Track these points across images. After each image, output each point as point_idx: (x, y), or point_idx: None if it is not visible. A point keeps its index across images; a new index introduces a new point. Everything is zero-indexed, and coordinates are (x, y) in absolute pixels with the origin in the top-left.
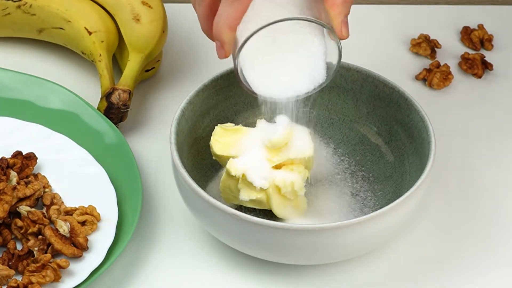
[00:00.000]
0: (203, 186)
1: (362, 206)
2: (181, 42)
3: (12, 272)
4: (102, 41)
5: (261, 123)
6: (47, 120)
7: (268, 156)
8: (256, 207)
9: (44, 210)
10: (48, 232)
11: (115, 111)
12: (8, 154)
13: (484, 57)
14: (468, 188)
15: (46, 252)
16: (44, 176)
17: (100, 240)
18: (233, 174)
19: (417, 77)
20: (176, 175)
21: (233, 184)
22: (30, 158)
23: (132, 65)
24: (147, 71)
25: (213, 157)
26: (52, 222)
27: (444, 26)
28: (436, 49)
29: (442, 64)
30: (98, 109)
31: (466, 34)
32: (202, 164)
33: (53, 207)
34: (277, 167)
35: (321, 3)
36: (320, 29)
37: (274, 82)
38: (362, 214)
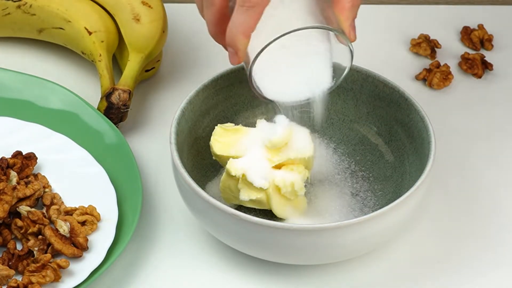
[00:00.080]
0: (203, 186)
1: (362, 206)
2: (181, 42)
3: (12, 272)
4: (102, 41)
5: (261, 123)
6: (47, 120)
7: (268, 156)
8: (256, 207)
9: (44, 210)
10: (48, 232)
11: (115, 111)
12: (8, 154)
13: (484, 57)
14: (468, 188)
15: (46, 252)
16: (44, 176)
17: (100, 240)
18: (233, 174)
19: (417, 77)
20: (176, 175)
21: (233, 184)
22: (30, 158)
23: (132, 65)
24: (147, 71)
25: (213, 157)
26: (52, 222)
27: (444, 26)
28: (436, 49)
29: (442, 64)
30: (98, 109)
31: (466, 34)
32: (202, 164)
33: (53, 207)
34: (277, 167)
35: (328, 7)
36: (326, 32)
37: (284, 87)
38: (362, 214)
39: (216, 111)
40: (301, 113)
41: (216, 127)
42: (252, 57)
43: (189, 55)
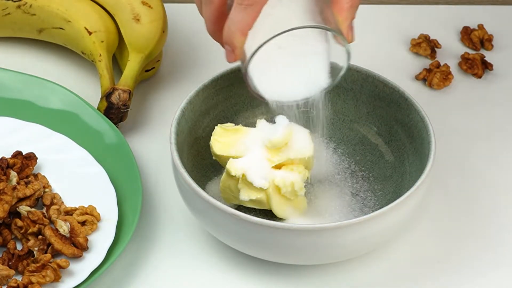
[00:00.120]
0: (203, 186)
1: (362, 206)
2: (181, 42)
3: (12, 272)
4: (102, 41)
5: (261, 123)
6: (47, 120)
7: (268, 156)
8: (256, 207)
9: (44, 210)
10: (48, 232)
11: (115, 111)
12: (8, 154)
13: (484, 57)
14: (468, 188)
15: (46, 252)
16: (44, 176)
17: (100, 240)
18: (233, 174)
19: (417, 77)
20: (176, 175)
21: (233, 184)
22: (30, 158)
23: (132, 65)
24: (147, 71)
25: (213, 157)
26: (52, 222)
27: (444, 26)
28: (436, 49)
29: (442, 64)
30: (98, 109)
31: (466, 34)
32: (202, 164)
33: (53, 207)
34: (277, 167)
35: (327, 7)
36: (324, 33)
37: (281, 86)
38: (362, 214)
39: (216, 111)
40: (300, 113)
41: (216, 127)
42: (248, 56)
43: (189, 55)
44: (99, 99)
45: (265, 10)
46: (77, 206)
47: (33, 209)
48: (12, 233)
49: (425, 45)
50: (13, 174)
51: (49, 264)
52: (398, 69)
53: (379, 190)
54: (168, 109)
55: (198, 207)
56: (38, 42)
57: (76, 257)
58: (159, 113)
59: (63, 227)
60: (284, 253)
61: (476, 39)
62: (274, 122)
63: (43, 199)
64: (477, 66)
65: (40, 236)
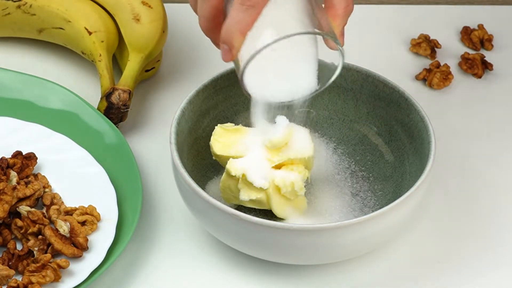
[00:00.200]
0: (203, 186)
1: (362, 206)
2: (181, 42)
3: (12, 272)
4: (102, 41)
5: (261, 123)
6: (47, 120)
7: (268, 156)
8: (256, 207)
9: (44, 210)
10: (48, 232)
11: (115, 111)
12: (8, 154)
13: (484, 57)
14: (468, 188)
15: (46, 252)
16: (44, 176)
17: (100, 240)
18: (233, 174)
19: (417, 77)
20: (176, 175)
21: (233, 184)
22: (30, 158)
23: (132, 65)
24: (147, 71)
25: (213, 157)
26: (52, 222)
27: (444, 26)
28: (436, 49)
29: (442, 64)
30: (98, 109)
31: (466, 34)
32: (202, 164)
33: (53, 207)
34: (277, 167)
35: (319, 10)
36: (314, 36)
37: (271, 87)
38: (362, 214)
39: (216, 111)
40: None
41: (216, 127)
42: (245, 59)
43: (189, 55)
44: (99, 99)
45: (263, 13)
46: (77, 206)
47: (33, 209)
48: (12, 233)
49: (425, 45)
50: (13, 174)
51: (49, 264)
52: (398, 69)
53: (379, 190)
54: (168, 109)
55: (198, 207)
56: (38, 42)
57: (76, 257)
58: (159, 113)
59: (63, 227)
60: (284, 253)
61: (476, 39)
62: (274, 122)
63: (43, 199)
64: (477, 66)
65: (40, 236)
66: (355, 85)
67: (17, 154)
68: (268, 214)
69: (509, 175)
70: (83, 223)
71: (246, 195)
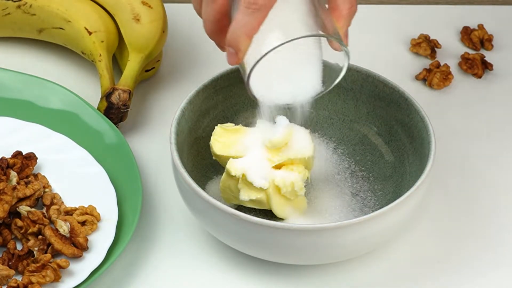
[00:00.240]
0: (203, 186)
1: (362, 206)
2: (181, 42)
3: (12, 272)
4: (102, 41)
5: (261, 123)
6: (47, 120)
7: (268, 156)
8: (256, 207)
9: (44, 210)
10: (48, 232)
11: (115, 111)
12: (8, 154)
13: (484, 57)
14: (468, 188)
15: (46, 252)
16: (44, 176)
17: (100, 240)
18: (233, 174)
19: (417, 77)
20: (176, 175)
21: (233, 184)
22: (30, 158)
23: (132, 65)
24: (147, 71)
25: (213, 157)
26: (52, 222)
27: (444, 26)
28: (436, 49)
29: (442, 64)
30: (98, 109)
31: (466, 34)
32: (202, 164)
33: (53, 207)
34: (277, 167)
35: (323, 11)
36: (319, 38)
37: (277, 89)
38: (362, 214)
39: (216, 111)
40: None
41: (216, 127)
42: (249, 58)
43: (189, 55)
44: (99, 99)
45: (269, 16)
46: (77, 206)
47: (33, 209)
48: (12, 233)
49: (425, 45)
50: (13, 174)
51: (49, 264)
52: (398, 69)
53: (379, 190)
54: (168, 109)
55: (198, 207)
56: (38, 42)
57: (76, 257)
58: (159, 113)
59: (63, 227)
60: (284, 253)
61: (476, 39)
62: (274, 122)
63: (43, 199)
64: (477, 66)
65: (40, 236)
66: (355, 85)
67: (17, 154)
68: (268, 214)
69: (509, 175)
70: (83, 223)
71: (246, 195)
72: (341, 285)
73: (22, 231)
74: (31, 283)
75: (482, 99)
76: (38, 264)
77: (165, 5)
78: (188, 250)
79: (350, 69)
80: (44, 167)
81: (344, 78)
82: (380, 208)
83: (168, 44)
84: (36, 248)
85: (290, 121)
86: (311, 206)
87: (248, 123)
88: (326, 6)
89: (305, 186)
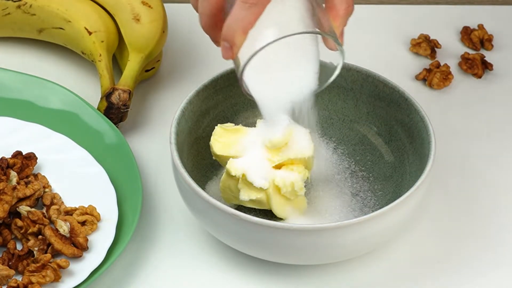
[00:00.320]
0: (203, 186)
1: (362, 206)
2: (181, 42)
3: (12, 272)
4: (102, 41)
5: (261, 123)
6: (47, 120)
7: (268, 156)
8: (256, 207)
9: (44, 210)
10: (48, 232)
11: (115, 111)
12: (8, 154)
13: (484, 57)
14: (468, 188)
15: (46, 252)
16: (44, 176)
17: (100, 240)
18: (233, 174)
19: (417, 77)
20: (176, 175)
21: (233, 184)
22: (30, 158)
23: (132, 65)
24: (147, 71)
25: (213, 157)
26: (52, 222)
27: (444, 26)
28: (436, 49)
29: (442, 64)
30: (98, 109)
31: (466, 34)
32: (202, 164)
33: (53, 207)
34: (277, 167)
35: (320, 9)
36: (315, 36)
37: (271, 87)
38: (362, 214)
39: (216, 111)
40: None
41: (216, 127)
42: (243, 54)
43: (189, 55)
44: (99, 99)
45: (264, 13)
46: (77, 206)
47: (33, 209)
48: (12, 233)
49: (425, 45)
50: (13, 174)
51: (49, 264)
52: (398, 69)
53: (379, 190)
54: (168, 109)
55: (198, 207)
56: (38, 42)
57: (76, 257)
58: (159, 113)
59: (63, 227)
60: (284, 253)
61: (476, 39)
62: (274, 122)
63: (43, 199)
64: (477, 66)
65: (40, 236)
66: (355, 85)
67: (17, 154)
68: (268, 214)
69: (509, 175)
70: (83, 223)
71: (246, 195)
72: (341, 285)
73: (22, 231)
74: (31, 283)
75: (482, 99)
76: (38, 264)
77: (165, 5)
78: (188, 250)
79: (350, 69)
80: (44, 167)
81: (344, 78)
82: (380, 208)
83: (168, 44)
84: (36, 248)
85: (295, 121)
86: (311, 206)
87: (248, 123)
88: (323, 6)
89: (305, 186)
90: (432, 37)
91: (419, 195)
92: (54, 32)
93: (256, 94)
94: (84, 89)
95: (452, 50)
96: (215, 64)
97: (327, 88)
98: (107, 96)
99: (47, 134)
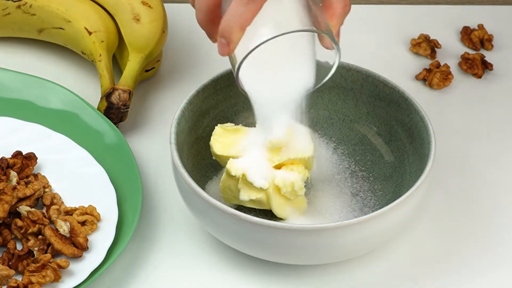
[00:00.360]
0: (203, 186)
1: (362, 206)
2: (181, 42)
3: (12, 272)
4: (102, 41)
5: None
6: (47, 120)
7: (268, 156)
8: (256, 207)
9: (44, 210)
10: (48, 232)
11: (115, 111)
12: (8, 154)
13: (484, 57)
14: (468, 188)
15: (46, 252)
16: (44, 176)
17: (100, 240)
18: (233, 174)
19: (417, 77)
20: (176, 175)
21: (233, 184)
22: (30, 158)
23: (132, 65)
24: (147, 71)
25: (213, 157)
26: (52, 222)
27: (444, 26)
28: (436, 49)
29: (442, 64)
30: (98, 109)
31: (466, 34)
32: (202, 164)
33: (53, 207)
34: (277, 167)
35: (320, 10)
36: (312, 34)
37: (267, 84)
38: (362, 214)
39: (216, 111)
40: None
41: (216, 127)
42: (239, 51)
43: (189, 55)
44: (99, 99)
45: (261, 10)
46: (77, 206)
47: (33, 209)
48: (12, 233)
49: (425, 45)
50: (13, 174)
51: (49, 264)
52: (398, 69)
53: (379, 190)
54: (168, 109)
55: (198, 207)
56: (38, 42)
57: (76, 257)
58: (159, 113)
59: (63, 227)
60: (284, 253)
61: (476, 39)
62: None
63: (43, 199)
64: (477, 66)
65: (40, 236)
66: (355, 85)
67: (17, 154)
68: (268, 214)
69: (509, 175)
70: (83, 223)
71: (246, 195)
72: (341, 285)
73: (22, 231)
74: (31, 283)
75: (482, 99)
76: (38, 264)
77: (165, 5)
78: (188, 250)
79: (350, 69)
80: (44, 167)
81: (344, 78)
82: (380, 208)
83: (168, 44)
84: (36, 248)
85: (290, 119)
86: (311, 206)
87: (248, 123)
88: (320, 4)
89: (305, 186)
90: (432, 37)
91: (419, 195)
92: (54, 32)
93: (253, 94)
94: (84, 89)
95: (452, 50)
96: (215, 64)
97: (327, 88)
98: (107, 96)
99: (47, 134)
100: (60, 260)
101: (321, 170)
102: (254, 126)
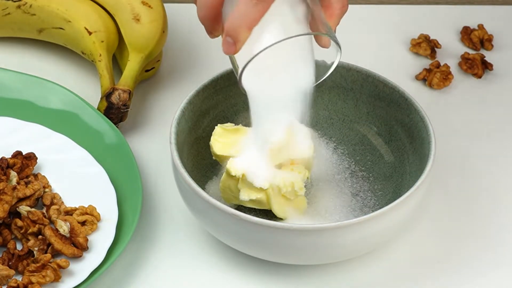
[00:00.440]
0: (203, 186)
1: (362, 206)
2: (181, 42)
3: (12, 272)
4: (102, 41)
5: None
6: (47, 120)
7: (268, 156)
8: (256, 207)
9: (44, 210)
10: (48, 232)
11: (115, 111)
12: (8, 154)
13: (484, 57)
14: (468, 188)
15: (46, 252)
16: (44, 176)
17: (100, 240)
18: (233, 174)
19: (417, 77)
20: (176, 175)
21: (233, 184)
22: (30, 158)
23: (132, 65)
24: (147, 71)
25: (213, 157)
26: (52, 222)
27: (444, 26)
28: (436, 49)
29: (442, 64)
30: (98, 109)
31: (466, 34)
32: (202, 164)
33: (53, 207)
34: (277, 167)
35: (319, 10)
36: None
37: (268, 84)
38: (362, 214)
39: (216, 111)
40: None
41: (216, 127)
42: (241, 52)
43: (189, 55)
44: (99, 99)
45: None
46: (77, 206)
47: (33, 209)
48: (12, 233)
49: (425, 45)
50: (13, 174)
51: (49, 264)
52: (398, 69)
53: (379, 190)
54: (168, 109)
55: (198, 207)
56: (38, 42)
57: (76, 257)
58: (159, 113)
59: (63, 227)
60: (284, 253)
61: (476, 39)
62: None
63: (43, 199)
64: (477, 66)
65: (40, 236)
66: (355, 85)
67: (17, 154)
68: (268, 214)
69: (509, 175)
70: (83, 223)
71: (246, 195)
72: (341, 285)
73: (22, 231)
74: (31, 283)
75: (482, 99)
76: (38, 264)
77: (165, 5)
78: (188, 250)
79: (350, 69)
80: (44, 167)
81: (344, 78)
82: (380, 208)
83: (168, 44)
84: (36, 248)
85: (290, 119)
86: (311, 206)
87: (248, 123)
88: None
89: (305, 186)
90: (432, 37)
91: (419, 195)
92: (54, 32)
93: (253, 94)
94: (84, 89)
95: (452, 50)
96: (215, 64)
97: (327, 88)
98: (107, 96)
99: (47, 134)
100: (60, 260)
101: (321, 170)
102: None
